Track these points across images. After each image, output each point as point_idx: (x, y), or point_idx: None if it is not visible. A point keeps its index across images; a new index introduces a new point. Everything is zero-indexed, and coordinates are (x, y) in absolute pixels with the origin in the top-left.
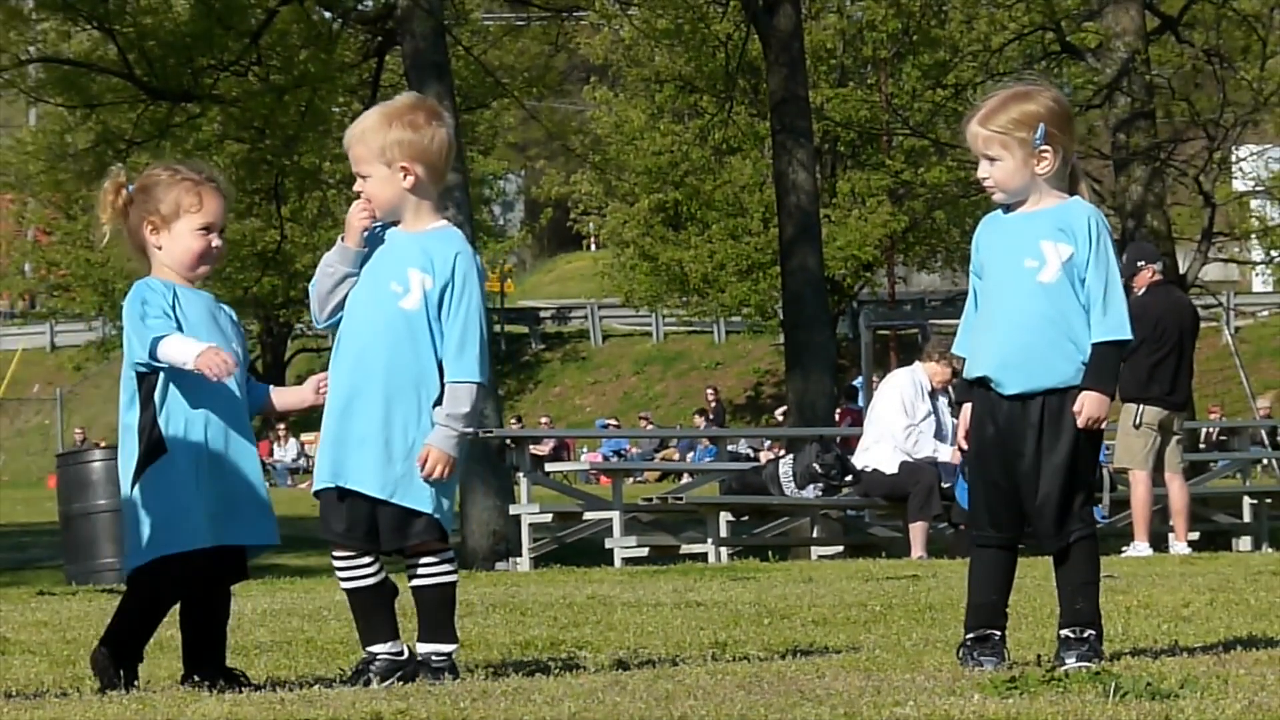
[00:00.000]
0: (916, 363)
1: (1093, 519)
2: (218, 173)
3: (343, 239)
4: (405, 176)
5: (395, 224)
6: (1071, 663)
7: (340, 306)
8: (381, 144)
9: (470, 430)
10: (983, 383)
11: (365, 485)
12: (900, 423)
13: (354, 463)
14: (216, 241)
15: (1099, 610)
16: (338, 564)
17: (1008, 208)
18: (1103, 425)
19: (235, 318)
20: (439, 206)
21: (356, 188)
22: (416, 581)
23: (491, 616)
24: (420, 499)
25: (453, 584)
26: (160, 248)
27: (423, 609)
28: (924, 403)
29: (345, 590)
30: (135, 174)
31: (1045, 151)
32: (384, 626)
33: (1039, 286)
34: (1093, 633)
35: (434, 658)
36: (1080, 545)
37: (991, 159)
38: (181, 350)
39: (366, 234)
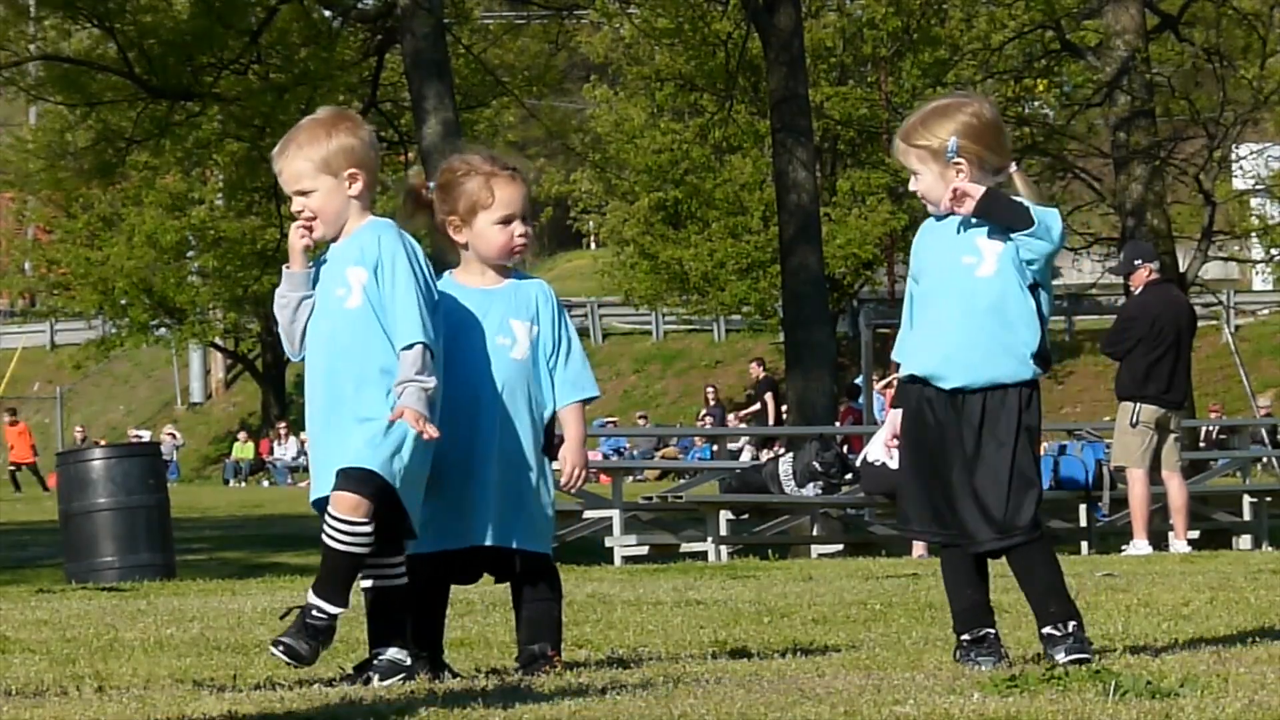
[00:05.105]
0: None
1: (1036, 524)
2: (515, 158)
3: (287, 267)
4: (352, 183)
5: (333, 241)
6: (1061, 657)
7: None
8: (324, 154)
9: (432, 385)
10: (920, 379)
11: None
12: None
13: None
14: (519, 230)
15: (1073, 603)
16: (367, 562)
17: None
18: (965, 195)
19: (547, 294)
20: (369, 207)
21: (295, 207)
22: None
23: (491, 615)
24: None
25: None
26: (466, 246)
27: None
28: None
29: (364, 589)
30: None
31: (959, 164)
32: (395, 630)
33: (978, 281)
34: (1074, 622)
35: (315, 610)
36: (1027, 551)
37: (915, 173)
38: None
39: (311, 253)
